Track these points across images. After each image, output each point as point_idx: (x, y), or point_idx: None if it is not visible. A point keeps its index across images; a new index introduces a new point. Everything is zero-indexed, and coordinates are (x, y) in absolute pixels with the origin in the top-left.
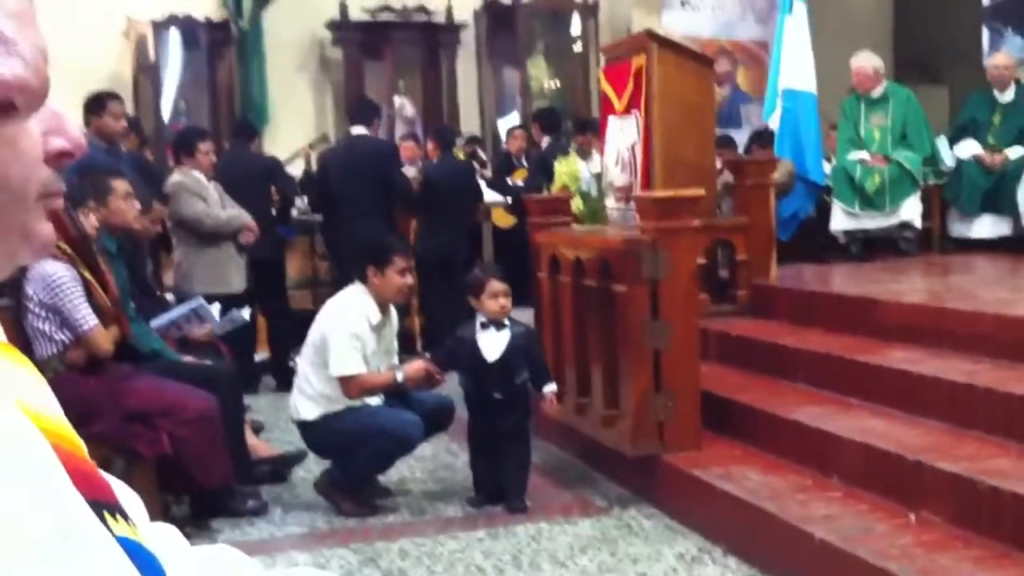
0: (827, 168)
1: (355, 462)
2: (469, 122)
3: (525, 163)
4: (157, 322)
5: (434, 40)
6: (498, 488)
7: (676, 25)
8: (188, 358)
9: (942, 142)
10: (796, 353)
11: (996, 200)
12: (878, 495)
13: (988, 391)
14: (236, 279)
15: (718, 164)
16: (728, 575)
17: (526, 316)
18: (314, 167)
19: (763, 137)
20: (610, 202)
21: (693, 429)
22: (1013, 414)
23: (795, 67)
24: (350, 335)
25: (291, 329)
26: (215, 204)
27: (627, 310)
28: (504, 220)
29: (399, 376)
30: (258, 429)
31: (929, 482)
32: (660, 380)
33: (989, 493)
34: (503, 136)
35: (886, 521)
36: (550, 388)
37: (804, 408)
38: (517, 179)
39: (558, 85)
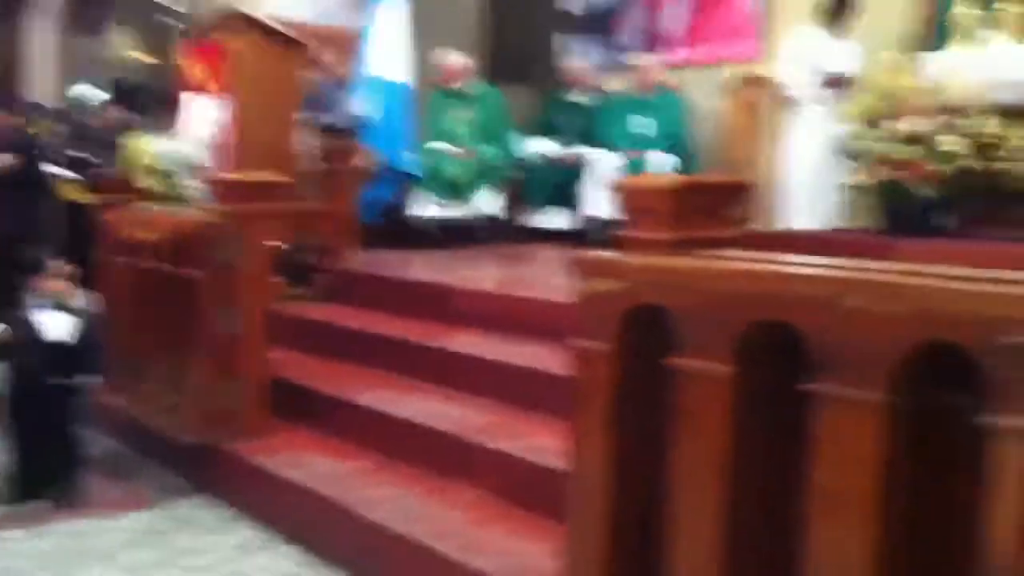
0: (415, 158)
1: None
2: (43, 90)
3: (104, 137)
4: None
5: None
6: (43, 482)
7: (273, 7)
8: None
9: (521, 138)
10: (372, 338)
11: (562, 194)
12: (439, 476)
13: (534, 372)
14: None
15: (312, 149)
16: (281, 561)
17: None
18: None
19: (354, 124)
20: (194, 183)
21: (262, 417)
22: (559, 394)
23: (388, 58)
24: None
25: None
26: None
27: (198, 294)
28: (79, 196)
29: None
30: None
31: (485, 461)
32: (229, 367)
33: (531, 469)
34: (83, 107)
35: (443, 501)
36: (93, 379)
37: (375, 393)
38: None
39: (145, 59)
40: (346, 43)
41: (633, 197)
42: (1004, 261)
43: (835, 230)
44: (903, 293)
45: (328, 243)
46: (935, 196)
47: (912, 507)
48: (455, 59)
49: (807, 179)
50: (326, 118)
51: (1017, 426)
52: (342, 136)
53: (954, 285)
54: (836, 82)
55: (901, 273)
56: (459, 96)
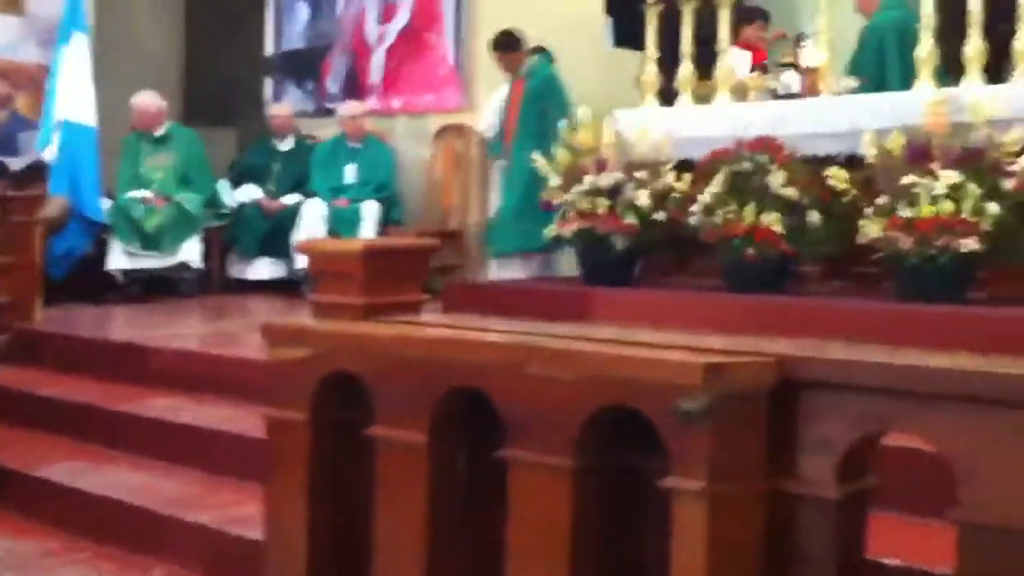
0: (106, 205)
1: None
2: None
3: None
4: None
5: None
6: None
7: None
8: None
9: (225, 185)
10: (59, 404)
11: (273, 244)
12: (129, 552)
13: (241, 437)
14: None
15: None
16: None
17: None
18: None
19: (37, 169)
20: None
21: None
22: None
23: (73, 99)
24: None
25: None
26: None
27: None
28: None
29: None
30: None
31: (179, 535)
32: None
33: (230, 541)
34: None
35: None
36: None
37: (62, 464)
38: None
39: None
40: (30, 80)
41: (323, 261)
42: (688, 309)
43: (539, 279)
44: (580, 360)
45: (10, 300)
46: (627, 247)
47: (605, 567)
48: (149, 101)
49: None
50: (7, 161)
51: (690, 488)
52: (26, 182)
53: (627, 352)
54: None
55: (580, 339)
56: (154, 140)
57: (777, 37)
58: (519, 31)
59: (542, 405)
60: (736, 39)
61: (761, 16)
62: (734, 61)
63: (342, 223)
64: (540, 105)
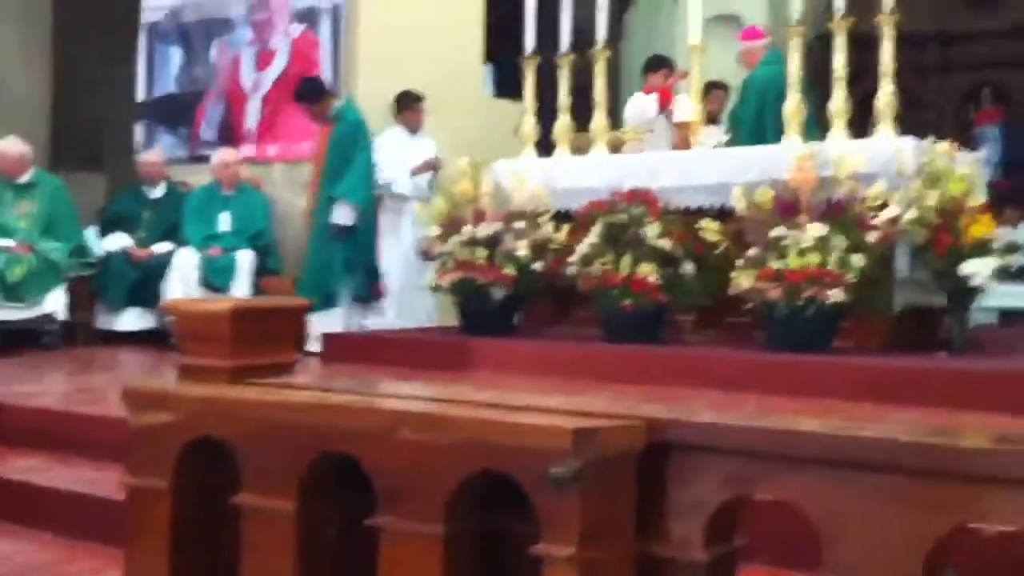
0: None
1: None
2: None
3: None
4: None
5: None
6: None
7: None
8: None
9: (93, 233)
10: None
11: (143, 293)
12: None
13: (104, 500)
14: None
15: None
16: None
17: None
18: None
19: None
20: None
21: None
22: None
23: None
24: None
25: None
26: None
27: None
28: None
29: None
30: None
31: None
32: None
33: None
34: None
35: None
36: None
37: None
38: None
39: None
40: None
41: (189, 321)
42: (566, 359)
43: (423, 330)
44: (452, 425)
45: None
46: (507, 297)
47: None
48: (10, 147)
49: (399, 278)
50: None
51: (559, 554)
52: None
53: (498, 416)
54: (429, 165)
55: (453, 402)
56: (17, 187)
57: (681, 77)
58: (319, 79)
59: (414, 471)
60: (644, 86)
61: (665, 64)
62: (643, 105)
63: (216, 273)
64: (343, 149)
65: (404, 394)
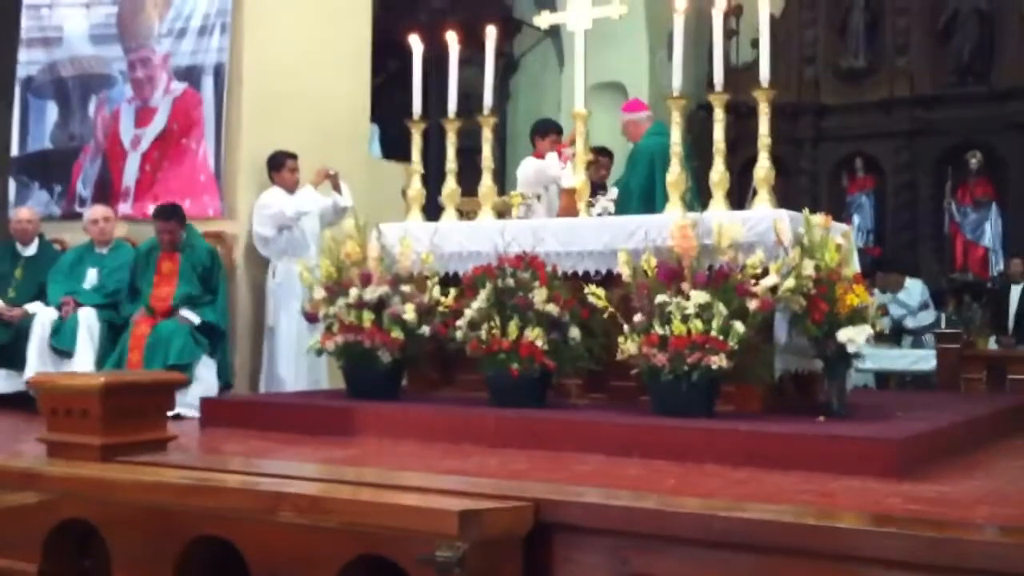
0: None
1: None
2: None
3: None
4: None
5: None
6: None
7: None
8: None
9: None
10: None
11: (11, 355)
12: None
13: None
14: None
15: None
16: None
17: None
18: None
19: None
20: None
21: None
22: None
23: None
24: None
25: None
26: None
27: None
28: None
29: None
30: None
31: None
32: None
33: None
34: None
35: None
36: None
37: None
38: None
39: None
40: None
41: (56, 397)
42: (452, 424)
43: (308, 394)
44: (334, 508)
45: None
46: (393, 361)
47: None
48: None
49: (287, 340)
50: None
51: None
52: None
53: (382, 499)
54: (322, 175)
55: (336, 483)
56: None
57: (572, 140)
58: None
59: (293, 555)
60: (533, 151)
61: (553, 129)
62: (542, 166)
63: (59, 335)
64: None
65: (284, 473)
